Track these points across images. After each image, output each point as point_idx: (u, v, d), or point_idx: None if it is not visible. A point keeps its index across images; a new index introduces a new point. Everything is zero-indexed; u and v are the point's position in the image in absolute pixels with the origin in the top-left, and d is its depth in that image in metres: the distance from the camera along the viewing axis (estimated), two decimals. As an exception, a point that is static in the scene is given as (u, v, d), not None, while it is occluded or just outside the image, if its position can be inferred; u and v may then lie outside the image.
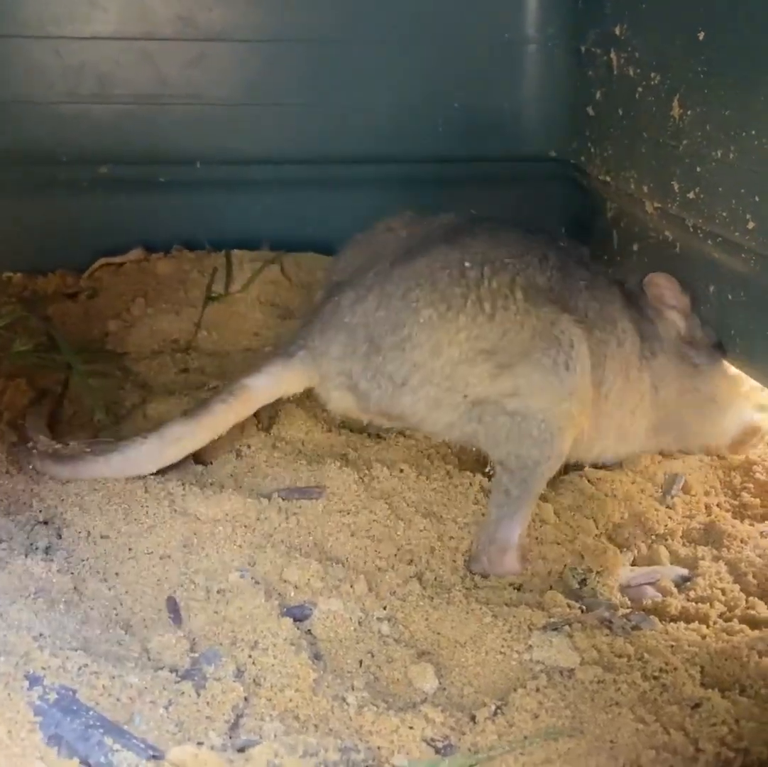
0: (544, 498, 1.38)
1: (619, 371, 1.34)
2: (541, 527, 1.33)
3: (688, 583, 1.26)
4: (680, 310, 1.40)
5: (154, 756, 0.85)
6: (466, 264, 1.26)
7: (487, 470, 1.35)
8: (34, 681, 0.90)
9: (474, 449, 1.38)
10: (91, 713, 0.88)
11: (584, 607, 1.18)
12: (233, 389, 1.30)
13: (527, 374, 1.24)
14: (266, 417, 1.52)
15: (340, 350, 1.29)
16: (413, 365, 1.24)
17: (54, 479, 1.30)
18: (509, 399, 1.24)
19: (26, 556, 1.13)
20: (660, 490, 1.44)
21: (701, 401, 1.42)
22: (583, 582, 1.25)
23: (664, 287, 1.39)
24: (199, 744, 0.88)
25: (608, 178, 1.69)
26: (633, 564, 1.32)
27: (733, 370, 1.42)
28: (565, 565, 1.27)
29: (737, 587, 1.24)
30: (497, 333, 1.24)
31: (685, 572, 1.29)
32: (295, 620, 1.09)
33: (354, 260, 1.38)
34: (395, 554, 1.24)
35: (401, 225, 1.39)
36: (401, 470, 1.37)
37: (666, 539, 1.36)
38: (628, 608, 1.21)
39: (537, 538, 1.31)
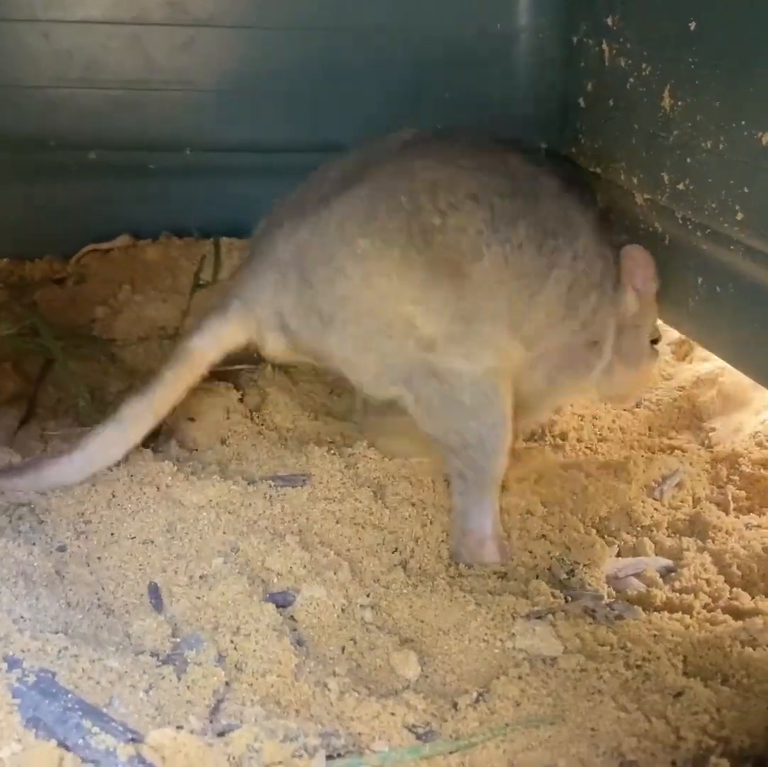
0: (530, 491, 1.38)
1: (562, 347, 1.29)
2: (528, 519, 1.33)
3: (673, 574, 1.27)
4: (642, 294, 1.36)
5: (132, 740, 0.84)
6: (421, 197, 1.19)
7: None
8: (13, 663, 0.89)
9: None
10: (69, 696, 0.87)
11: (569, 597, 1.19)
12: (178, 354, 1.27)
13: (449, 323, 1.18)
14: (252, 404, 1.52)
15: (271, 290, 1.24)
16: (342, 299, 1.19)
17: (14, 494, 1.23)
18: (433, 355, 1.19)
19: (7, 539, 1.12)
20: (652, 483, 1.44)
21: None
22: (571, 572, 1.25)
23: (638, 266, 1.35)
24: (179, 728, 0.88)
25: (598, 170, 1.68)
26: (618, 555, 1.32)
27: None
28: (551, 557, 1.27)
29: (722, 578, 1.24)
30: (427, 274, 1.18)
31: (669, 563, 1.29)
32: (277, 606, 1.09)
33: (291, 199, 1.30)
34: (380, 542, 1.24)
35: (344, 156, 1.31)
36: (387, 459, 1.37)
37: (651, 531, 1.36)
38: (612, 598, 1.21)
39: (524, 529, 1.31)
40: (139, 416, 1.26)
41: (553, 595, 1.17)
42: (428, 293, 1.18)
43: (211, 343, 1.28)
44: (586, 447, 1.55)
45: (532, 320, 1.24)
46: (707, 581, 1.23)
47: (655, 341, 1.45)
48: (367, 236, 1.18)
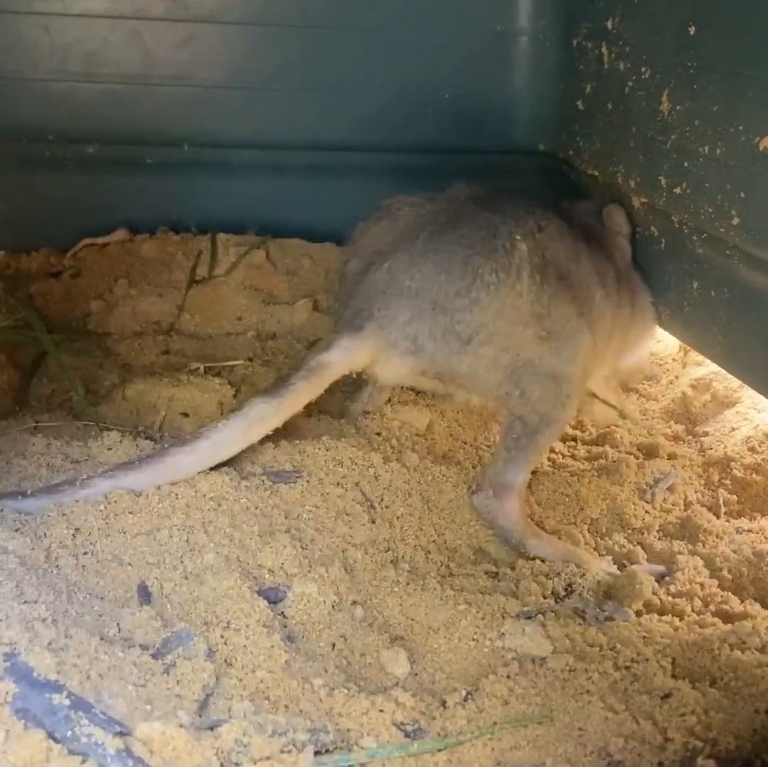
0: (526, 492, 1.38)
1: (605, 321, 1.42)
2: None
3: (667, 578, 1.27)
4: (629, 236, 1.56)
5: (120, 732, 0.84)
6: (517, 237, 1.32)
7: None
8: (2, 654, 0.89)
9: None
10: (58, 687, 0.87)
11: (559, 597, 1.19)
12: (311, 366, 1.31)
13: (567, 338, 1.32)
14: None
15: (407, 314, 1.31)
16: (479, 325, 1.29)
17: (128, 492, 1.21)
18: (551, 359, 1.31)
19: (-3, 530, 1.12)
20: (644, 486, 1.44)
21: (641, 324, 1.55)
22: (559, 574, 1.25)
23: (619, 217, 1.55)
24: (167, 721, 0.88)
25: (596, 173, 1.69)
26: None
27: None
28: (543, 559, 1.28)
29: (714, 582, 1.25)
30: (546, 299, 1.31)
31: (662, 569, 1.29)
32: (268, 602, 1.08)
33: (384, 233, 1.39)
34: (372, 540, 1.24)
35: (420, 200, 1.42)
36: (381, 457, 1.37)
37: (642, 534, 1.36)
38: (603, 599, 1.21)
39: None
40: (264, 417, 1.28)
41: (543, 595, 1.17)
42: (552, 317, 1.32)
43: (343, 360, 1.33)
44: (579, 449, 1.56)
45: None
46: (701, 585, 1.24)
47: None
48: (494, 272, 1.29)
